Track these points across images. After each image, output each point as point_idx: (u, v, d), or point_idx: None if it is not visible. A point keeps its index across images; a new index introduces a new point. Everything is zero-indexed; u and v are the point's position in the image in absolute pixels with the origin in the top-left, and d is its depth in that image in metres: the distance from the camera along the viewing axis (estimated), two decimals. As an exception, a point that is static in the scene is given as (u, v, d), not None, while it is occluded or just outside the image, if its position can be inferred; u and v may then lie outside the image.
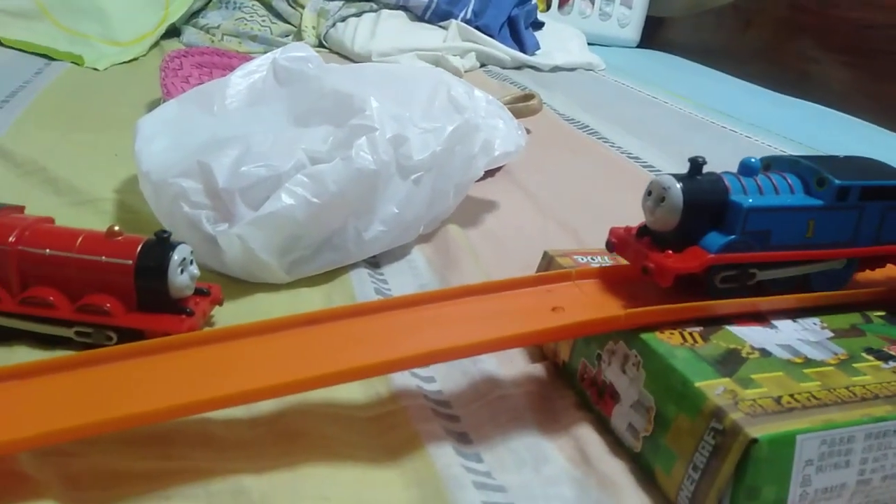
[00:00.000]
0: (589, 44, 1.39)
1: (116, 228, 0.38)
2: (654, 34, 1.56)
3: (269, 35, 1.17)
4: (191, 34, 1.12)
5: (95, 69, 0.92)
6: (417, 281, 0.49)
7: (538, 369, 0.39)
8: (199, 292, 0.39)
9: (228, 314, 0.42)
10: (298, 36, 1.21)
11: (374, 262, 0.51)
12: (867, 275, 0.40)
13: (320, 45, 1.22)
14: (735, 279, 0.35)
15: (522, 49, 1.25)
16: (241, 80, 0.59)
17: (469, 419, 0.35)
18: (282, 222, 0.44)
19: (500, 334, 0.33)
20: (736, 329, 0.34)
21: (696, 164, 0.36)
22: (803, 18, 1.33)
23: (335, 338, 0.33)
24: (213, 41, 1.12)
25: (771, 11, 1.41)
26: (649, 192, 0.35)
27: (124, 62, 0.96)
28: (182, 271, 0.37)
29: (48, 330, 0.37)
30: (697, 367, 0.31)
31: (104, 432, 0.29)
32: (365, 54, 1.13)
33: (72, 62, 0.92)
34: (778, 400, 0.29)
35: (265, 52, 0.61)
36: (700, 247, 0.35)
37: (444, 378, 0.38)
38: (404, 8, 1.25)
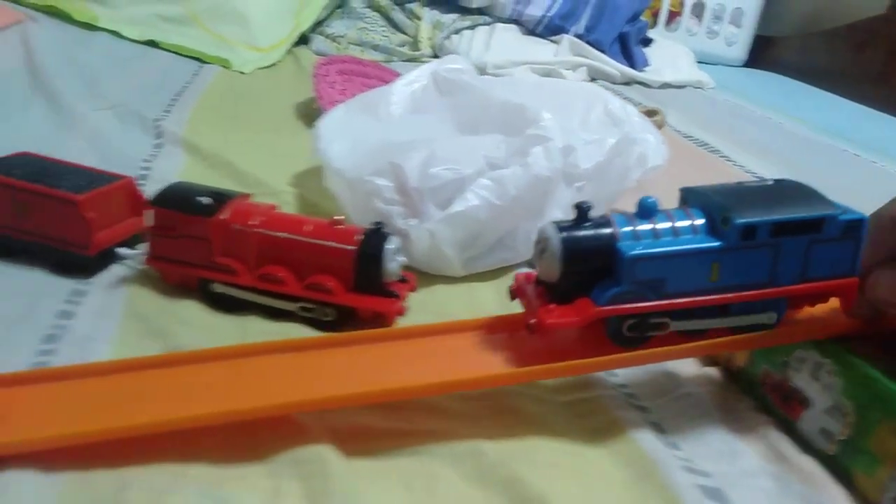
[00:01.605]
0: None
1: (338, 218, 0.43)
2: (762, 54, 1.55)
3: (389, 45, 1.23)
4: (319, 42, 1.19)
5: (242, 72, 0.99)
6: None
7: (713, 372, 0.42)
8: (399, 279, 0.44)
9: (415, 302, 0.46)
10: (415, 46, 1.26)
11: (531, 263, 0.54)
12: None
13: (434, 55, 1.27)
14: (638, 328, 0.33)
15: (632, 65, 1.27)
16: (403, 89, 0.64)
17: (659, 412, 0.37)
18: (467, 221, 0.48)
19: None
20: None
21: (582, 210, 0.33)
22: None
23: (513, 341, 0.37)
24: (338, 49, 1.19)
25: (887, 33, 1.37)
26: (538, 241, 0.34)
27: (265, 67, 1.04)
28: (393, 259, 0.42)
29: (277, 304, 0.42)
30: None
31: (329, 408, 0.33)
32: (480, 66, 1.17)
33: (221, 65, 1.00)
34: None
35: (386, 61, 0.65)
36: (589, 298, 0.33)
37: (625, 372, 0.41)
38: (517, 22, 1.29)
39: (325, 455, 0.31)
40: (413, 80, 0.65)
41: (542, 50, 1.23)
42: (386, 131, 0.58)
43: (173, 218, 0.42)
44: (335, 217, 0.43)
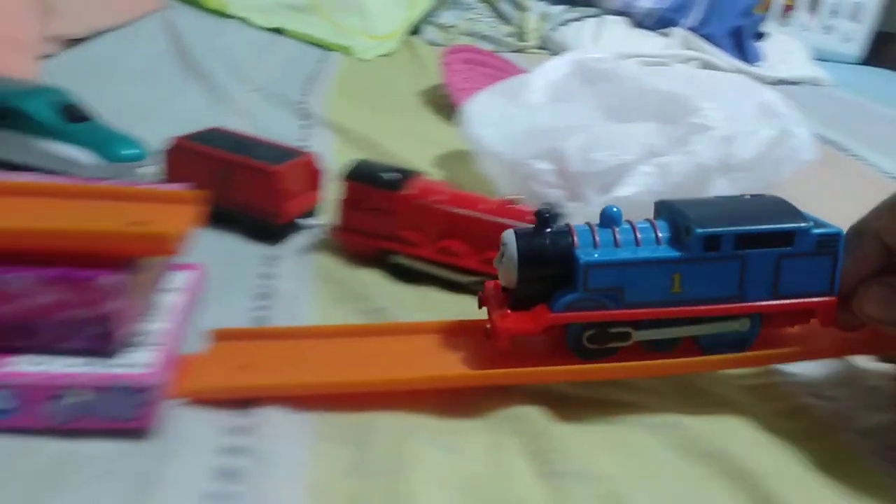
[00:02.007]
0: (809, 57, 1.34)
1: (513, 198, 0.45)
2: (881, 51, 1.47)
3: (497, 35, 1.24)
4: (430, 32, 1.22)
5: (363, 60, 1.03)
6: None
7: (889, 367, 0.41)
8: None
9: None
10: (521, 37, 1.27)
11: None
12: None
13: (541, 47, 1.28)
14: (598, 339, 0.33)
15: (745, 60, 1.24)
16: (543, 77, 0.65)
17: (845, 401, 0.37)
18: (629, 206, 0.48)
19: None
20: None
21: (542, 217, 0.33)
22: None
23: None
24: (448, 39, 1.21)
25: None
26: (500, 246, 0.34)
27: (382, 55, 1.07)
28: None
29: (454, 276, 0.44)
30: None
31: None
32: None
33: (343, 52, 1.04)
34: None
35: (496, 51, 0.66)
36: (547, 306, 0.32)
37: (801, 364, 0.41)
38: (626, 14, 1.28)
39: (537, 416, 0.32)
40: (553, 69, 0.66)
41: (652, 43, 1.22)
42: (532, 117, 0.60)
43: (364, 191, 0.44)
44: (510, 197, 0.44)
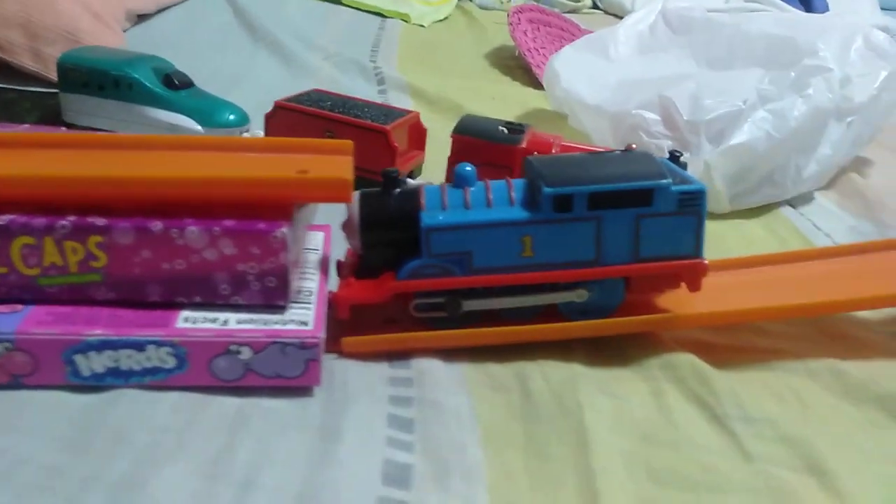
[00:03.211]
0: (877, 5, 1.28)
1: (632, 145, 0.43)
2: (953, -5, 1.40)
3: (552, -4, 1.21)
4: (482, -5, 1.20)
5: (421, 25, 1.01)
6: (843, 223, 0.50)
7: None
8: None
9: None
10: (575, -3, 1.24)
11: (790, 202, 0.53)
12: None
13: (595, 6, 1.24)
14: (436, 307, 0.30)
15: (809, 10, 1.19)
16: (629, 29, 0.63)
17: None
18: (745, 153, 0.47)
19: None
20: None
21: (389, 177, 0.30)
22: None
23: (845, 270, 0.37)
24: (502, 2, 1.18)
25: None
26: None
27: (439, 20, 1.05)
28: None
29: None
30: None
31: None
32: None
33: (400, 19, 1.02)
34: None
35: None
36: (393, 273, 0.30)
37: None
38: (684, -33, 1.23)
39: (694, 362, 0.32)
40: (640, 20, 0.64)
41: (712, -4, 1.17)
42: (626, 69, 0.58)
43: (477, 147, 0.44)
44: (630, 145, 0.43)
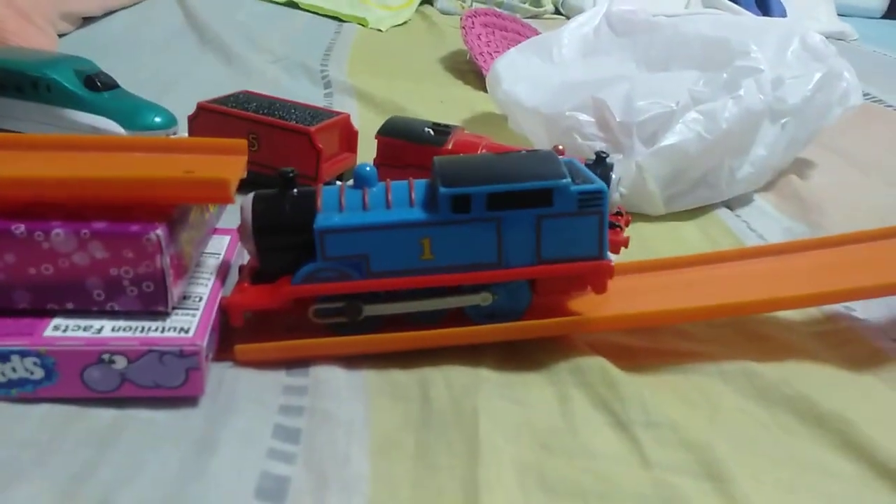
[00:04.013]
0: (833, 12, 1.30)
1: (559, 147, 0.43)
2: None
3: (513, 2, 1.21)
4: (444, 1, 1.19)
5: (379, 30, 1.01)
6: (779, 225, 0.50)
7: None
8: (615, 213, 0.43)
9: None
10: (537, 3, 1.24)
11: (727, 204, 0.52)
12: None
13: (557, 11, 1.25)
14: (336, 313, 0.30)
15: (767, 15, 1.20)
16: (574, 32, 0.62)
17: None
18: (677, 155, 0.46)
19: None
20: None
21: (286, 177, 0.29)
22: None
23: (770, 270, 0.37)
24: (462, 6, 1.18)
25: None
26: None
27: (398, 25, 1.05)
28: (616, 190, 0.41)
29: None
30: None
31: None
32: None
33: (357, 24, 1.01)
34: None
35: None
36: (290, 278, 0.29)
37: (864, 307, 0.39)
38: (644, -26, 1.24)
39: (604, 366, 0.31)
40: (583, 23, 0.63)
41: (672, 1, 1.18)
42: (566, 72, 0.57)
43: (402, 148, 0.43)
44: (556, 146, 0.42)
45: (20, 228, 0.25)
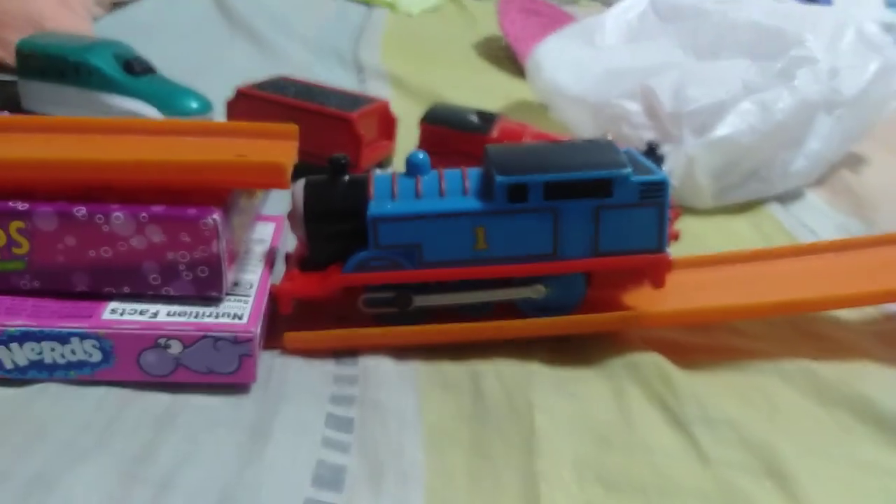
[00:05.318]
0: None
1: (610, 136, 0.42)
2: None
3: (546, -13, 1.19)
4: (476, -14, 1.17)
5: (410, 14, 0.99)
6: (832, 221, 0.48)
7: None
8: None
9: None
10: (570, -12, 1.22)
11: (778, 198, 0.51)
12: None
13: (591, -3, 1.22)
14: (386, 303, 0.29)
15: (813, 2, 1.16)
16: (617, 17, 0.61)
17: None
18: (729, 147, 0.45)
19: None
20: None
21: (338, 164, 0.28)
22: None
23: (827, 268, 0.36)
24: (496, -8, 1.16)
25: None
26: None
27: (429, 10, 1.04)
28: (666, 181, 0.40)
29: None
30: None
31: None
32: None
33: (387, 8, 1.00)
34: None
35: None
36: (340, 266, 0.28)
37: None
38: (682, -41, 1.21)
39: (659, 362, 0.30)
40: (628, 8, 0.62)
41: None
42: (610, 58, 0.56)
43: (447, 136, 0.42)
44: (607, 134, 0.41)
45: (81, 211, 0.25)
